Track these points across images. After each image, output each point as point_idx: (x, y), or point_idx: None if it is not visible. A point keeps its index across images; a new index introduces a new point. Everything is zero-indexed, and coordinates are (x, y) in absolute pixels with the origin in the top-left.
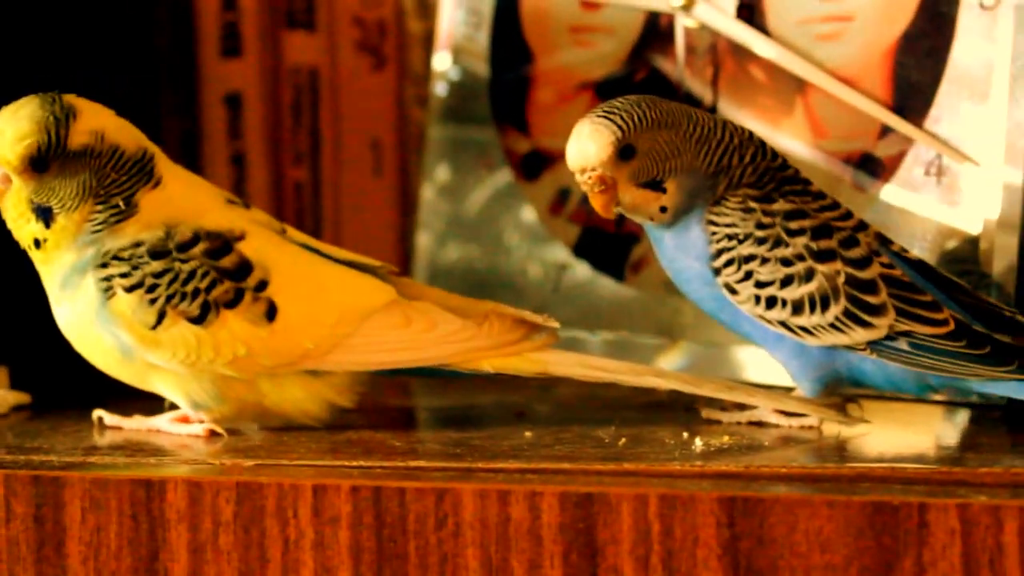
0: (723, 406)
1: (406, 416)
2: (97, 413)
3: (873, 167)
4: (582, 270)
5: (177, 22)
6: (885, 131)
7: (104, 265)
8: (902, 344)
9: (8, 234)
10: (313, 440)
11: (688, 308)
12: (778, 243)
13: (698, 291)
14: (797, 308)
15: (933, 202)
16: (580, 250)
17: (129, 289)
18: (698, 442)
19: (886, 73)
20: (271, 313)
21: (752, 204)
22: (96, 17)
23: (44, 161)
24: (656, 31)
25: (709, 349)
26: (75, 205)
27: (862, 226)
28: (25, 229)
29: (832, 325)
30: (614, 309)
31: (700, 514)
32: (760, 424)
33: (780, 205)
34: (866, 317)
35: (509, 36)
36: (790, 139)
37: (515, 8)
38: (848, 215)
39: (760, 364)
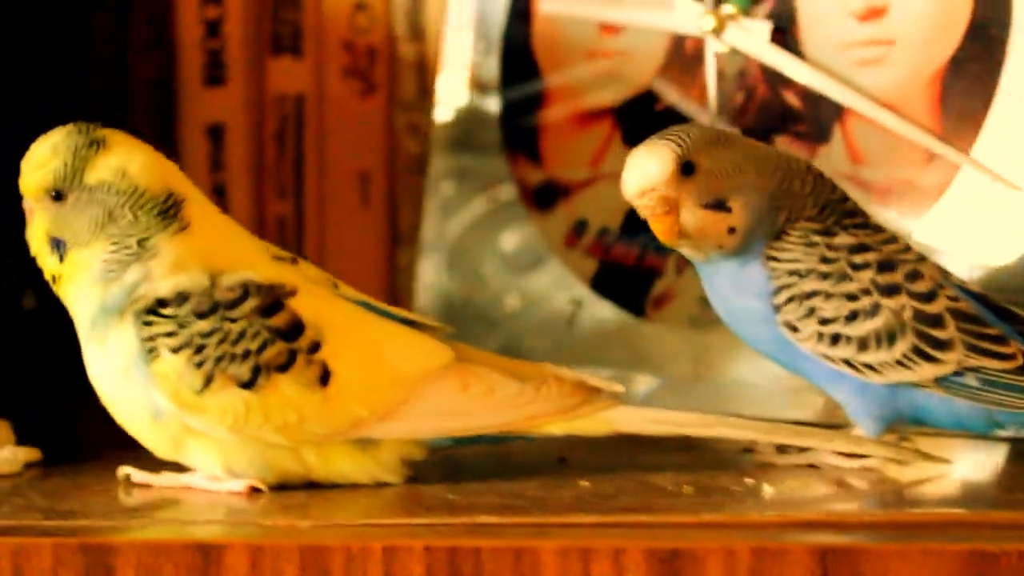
0: (779, 447)
1: (444, 463)
2: (124, 471)
3: (918, 196)
4: (600, 306)
5: (157, 50)
6: (930, 159)
7: (147, 322)
8: (970, 380)
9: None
10: (361, 496)
11: (715, 344)
12: (843, 278)
13: (755, 331)
14: (862, 345)
15: (982, 232)
16: (598, 285)
17: (176, 350)
18: (767, 488)
19: (933, 99)
20: (324, 377)
21: (815, 238)
22: (70, 43)
23: (61, 192)
24: (681, 55)
25: (737, 387)
26: (87, 240)
27: (923, 259)
28: (45, 262)
29: (898, 362)
30: (635, 346)
31: (791, 565)
32: (817, 466)
33: (843, 239)
34: (934, 352)
35: (521, 61)
36: (827, 167)
37: (527, 32)
38: (908, 248)
39: (795, 401)
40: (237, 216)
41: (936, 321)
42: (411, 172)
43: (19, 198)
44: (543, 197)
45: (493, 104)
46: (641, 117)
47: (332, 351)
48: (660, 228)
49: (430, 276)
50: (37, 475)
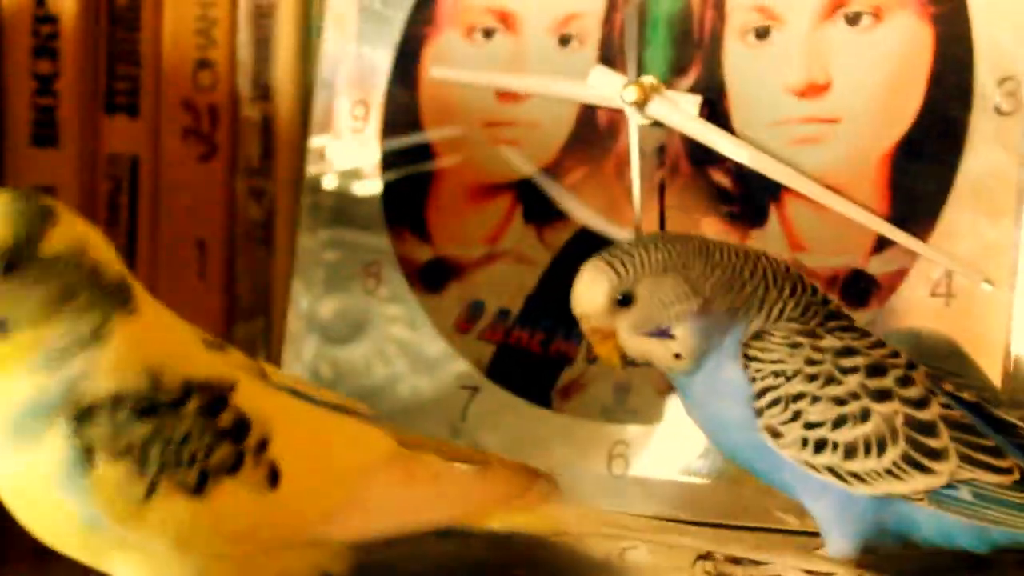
0: (736, 559)
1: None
2: None
3: (865, 286)
4: (498, 395)
5: None
6: (880, 246)
7: (79, 421)
8: (964, 494)
9: None
10: None
11: (631, 437)
12: (830, 380)
13: (732, 437)
14: (850, 452)
15: (940, 328)
16: (495, 372)
17: (116, 456)
18: None
19: (882, 182)
20: (273, 478)
21: (799, 339)
22: None
23: (12, 264)
24: (592, 127)
25: (657, 485)
26: (36, 320)
27: (913, 365)
28: None
29: (888, 471)
30: (539, 439)
31: None
32: None
33: (829, 341)
34: (926, 462)
35: (405, 128)
36: None
37: (413, 98)
38: (897, 353)
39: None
40: None
41: (929, 429)
42: (252, 241)
43: None
44: (431, 276)
45: (372, 173)
46: (545, 192)
47: (280, 449)
48: (599, 353)
49: (299, 358)
50: None
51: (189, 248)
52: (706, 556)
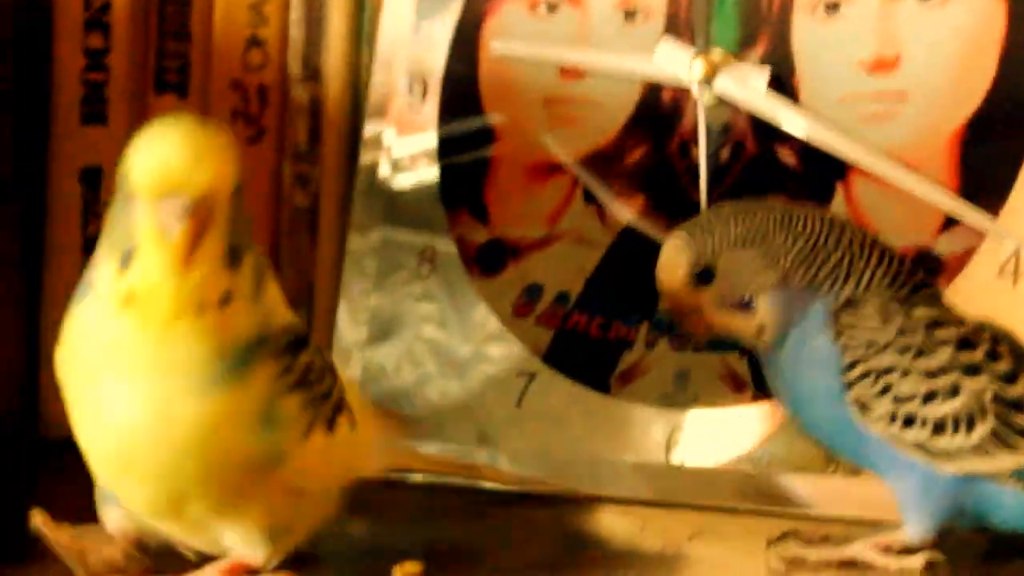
0: (808, 539)
1: (447, 562)
2: None
3: (932, 266)
4: (555, 381)
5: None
6: (947, 225)
7: (288, 352)
8: None
9: None
10: None
11: (690, 424)
12: (921, 353)
13: (817, 410)
14: (938, 428)
15: (1008, 308)
16: (552, 358)
17: (293, 389)
18: None
19: (952, 160)
20: (352, 421)
21: (892, 310)
22: None
23: (239, 189)
24: (656, 106)
25: (712, 471)
26: (252, 250)
27: (998, 339)
28: (213, 283)
29: (975, 449)
30: (596, 426)
31: None
32: (852, 564)
33: (921, 312)
34: (1014, 440)
35: (464, 107)
36: None
37: (472, 75)
38: (983, 327)
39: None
40: None
41: (1018, 406)
42: (297, 229)
43: None
44: (488, 259)
45: (430, 155)
46: (608, 172)
47: (347, 393)
48: (685, 328)
49: (345, 353)
50: None
51: None
52: (779, 539)
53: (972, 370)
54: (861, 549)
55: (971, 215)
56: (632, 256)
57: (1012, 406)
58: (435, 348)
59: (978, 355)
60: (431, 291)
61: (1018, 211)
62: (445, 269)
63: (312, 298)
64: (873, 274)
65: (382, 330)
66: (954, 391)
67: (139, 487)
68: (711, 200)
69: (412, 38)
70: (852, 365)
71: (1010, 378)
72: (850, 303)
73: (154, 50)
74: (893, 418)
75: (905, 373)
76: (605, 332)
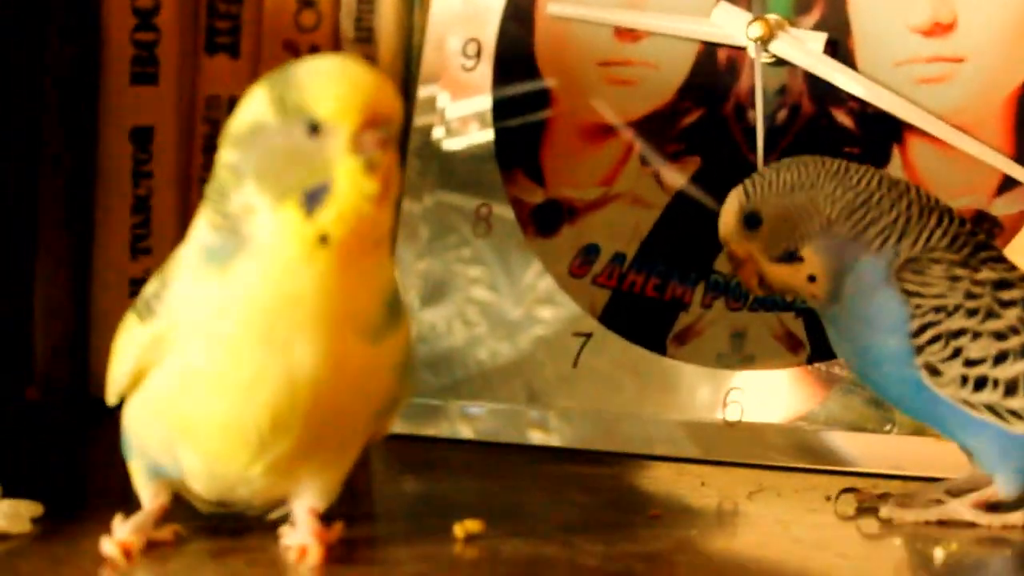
0: (901, 501)
1: (509, 520)
2: None
3: (988, 227)
4: (612, 341)
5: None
6: (1004, 187)
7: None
8: None
9: None
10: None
11: (746, 384)
12: (990, 315)
13: (884, 372)
14: (1010, 389)
15: None
16: (609, 318)
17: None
18: (938, 553)
19: (1008, 122)
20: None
21: (959, 271)
22: None
23: None
24: (712, 67)
25: (772, 431)
26: None
27: None
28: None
29: None
30: (652, 386)
31: None
32: (950, 524)
33: (987, 274)
34: None
35: (519, 68)
36: None
37: (527, 36)
38: None
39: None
40: (163, 225)
41: None
42: None
43: None
44: (545, 220)
45: (485, 118)
46: (663, 133)
47: None
48: (741, 279)
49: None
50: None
51: None
52: (840, 495)
53: None
54: (959, 508)
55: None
56: (688, 217)
57: None
58: (486, 310)
59: None
60: (482, 254)
61: None
62: (500, 230)
63: None
64: (932, 233)
65: (431, 294)
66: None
67: (275, 443)
68: (767, 163)
69: (466, 0)
70: (922, 329)
71: None
72: (914, 264)
73: (205, 10)
74: (964, 381)
75: (975, 336)
76: (661, 293)
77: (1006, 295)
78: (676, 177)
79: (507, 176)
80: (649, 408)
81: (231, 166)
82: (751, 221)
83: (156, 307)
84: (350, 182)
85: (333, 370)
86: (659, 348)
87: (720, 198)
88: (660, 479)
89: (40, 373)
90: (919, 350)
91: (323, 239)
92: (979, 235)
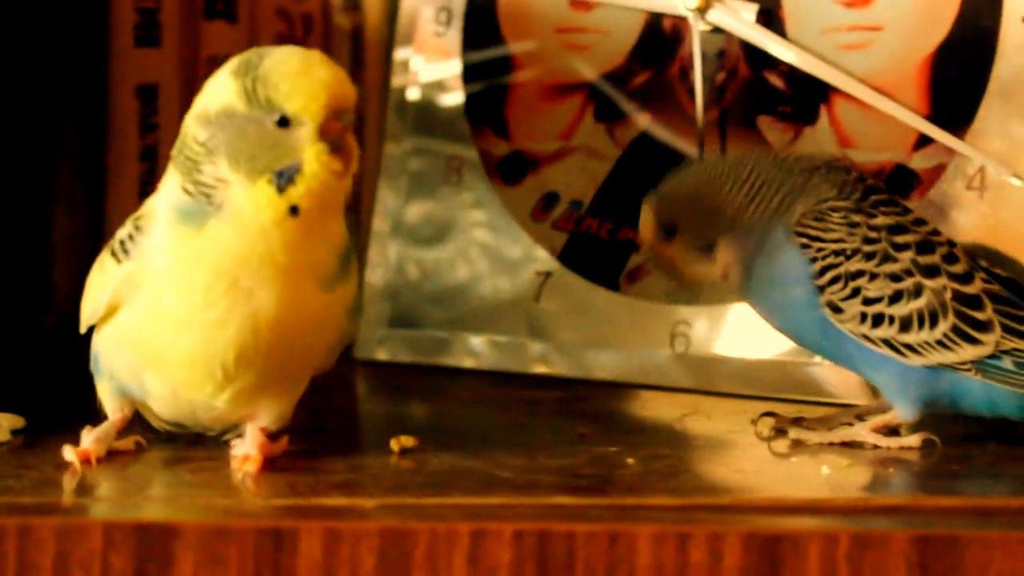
0: (807, 425)
1: (447, 437)
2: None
3: (907, 180)
4: (570, 279)
5: (87, 8)
6: (920, 143)
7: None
8: (1007, 363)
9: None
10: (403, 474)
11: (695, 319)
12: (886, 258)
13: (797, 319)
14: (905, 325)
15: (975, 218)
16: (567, 258)
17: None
18: (825, 470)
19: (922, 84)
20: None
21: (855, 218)
22: None
23: None
24: (657, 33)
25: (715, 362)
26: None
27: (953, 242)
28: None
29: (939, 342)
30: (607, 320)
31: (891, 554)
32: (852, 445)
33: (882, 219)
34: (974, 333)
35: (485, 34)
36: (814, 149)
37: (492, 6)
38: (937, 231)
39: (779, 378)
40: None
41: (975, 302)
42: None
43: None
44: (510, 170)
45: (454, 81)
46: (615, 93)
47: None
48: (665, 276)
49: (384, 258)
50: (39, 445)
51: None
52: (771, 414)
53: (931, 271)
54: (860, 431)
55: (939, 134)
56: (639, 167)
57: (969, 303)
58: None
59: (936, 257)
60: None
61: (982, 132)
62: (472, 178)
63: (359, 207)
64: (818, 189)
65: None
66: (917, 292)
67: (239, 377)
68: (707, 117)
69: None
70: (823, 272)
71: (965, 278)
72: (812, 214)
73: None
74: (863, 318)
75: (872, 277)
76: (614, 236)
77: (900, 239)
78: (627, 132)
79: (476, 131)
80: (604, 341)
81: (202, 142)
82: (669, 230)
83: (131, 249)
84: (318, 163)
85: (292, 313)
86: (613, 286)
87: (667, 151)
88: (605, 403)
89: (57, 302)
90: (821, 290)
91: (293, 210)
92: (867, 180)
